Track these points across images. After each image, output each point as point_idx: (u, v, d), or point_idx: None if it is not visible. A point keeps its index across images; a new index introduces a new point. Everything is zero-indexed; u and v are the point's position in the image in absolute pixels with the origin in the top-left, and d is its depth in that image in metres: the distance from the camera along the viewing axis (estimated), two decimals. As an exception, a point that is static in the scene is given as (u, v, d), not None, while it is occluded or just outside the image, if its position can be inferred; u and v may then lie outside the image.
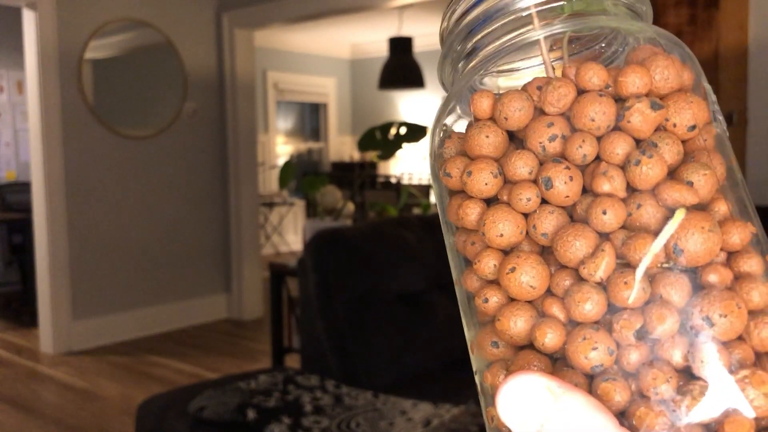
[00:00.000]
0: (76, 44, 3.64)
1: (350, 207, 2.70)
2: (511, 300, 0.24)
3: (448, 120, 0.28)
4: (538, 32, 0.26)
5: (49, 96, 3.54)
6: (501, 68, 0.29)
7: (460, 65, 0.29)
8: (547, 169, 0.24)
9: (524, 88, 0.26)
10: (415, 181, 6.87)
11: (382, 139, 2.45)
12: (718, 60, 2.41)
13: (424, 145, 5.92)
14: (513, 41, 0.27)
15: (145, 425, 1.59)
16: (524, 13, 0.26)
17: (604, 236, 0.23)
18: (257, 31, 4.38)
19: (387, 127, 2.48)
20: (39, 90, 3.52)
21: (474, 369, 0.26)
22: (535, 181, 0.24)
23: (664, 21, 2.45)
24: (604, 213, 0.23)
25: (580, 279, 0.23)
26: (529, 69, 0.29)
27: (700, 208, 0.23)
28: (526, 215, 0.24)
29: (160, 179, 4.01)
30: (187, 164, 4.14)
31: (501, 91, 0.26)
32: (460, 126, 0.28)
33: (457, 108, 0.29)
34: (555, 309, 0.23)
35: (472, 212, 0.25)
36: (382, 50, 6.60)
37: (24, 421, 2.75)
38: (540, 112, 0.25)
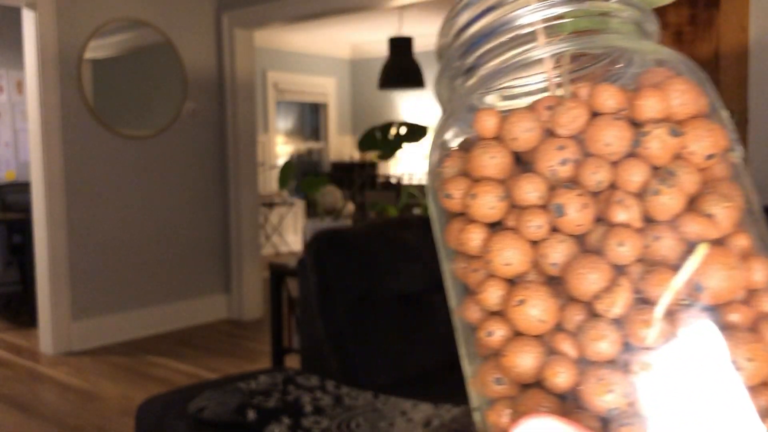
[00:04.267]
0: (75, 44, 3.64)
1: (350, 207, 2.70)
2: (518, 334, 0.23)
3: (447, 137, 0.27)
4: (543, 50, 0.25)
5: (49, 96, 3.54)
6: (500, 86, 0.28)
7: (458, 81, 0.27)
8: (559, 195, 0.22)
9: (532, 107, 0.24)
10: (415, 181, 6.87)
11: (382, 139, 2.45)
12: (718, 60, 2.41)
13: (424, 145, 5.92)
14: (516, 59, 0.25)
15: (144, 425, 1.59)
16: (528, 30, 0.25)
17: (619, 269, 0.22)
18: (257, 31, 4.38)
19: (387, 127, 2.48)
20: (38, 90, 3.52)
21: (473, 406, 0.25)
22: (544, 207, 0.23)
23: (665, 21, 2.45)
24: (621, 245, 0.21)
25: (593, 314, 0.22)
26: (527, 87, 0.27)
27: (720, 242, 0.22)
28: (533, 243, 0.23)
29: (159, 179, 4.01)
30: (187, 164, 4.14)
31: (505, 110, 0.25)
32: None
33: (455, 125, 0.27)
34: (566, 346, 0.22)
35: (475, 237, 0.24)
36: (382, 50, 6.60)
37: (23, 422, 2.75)
38: (549, 133, 0.24)
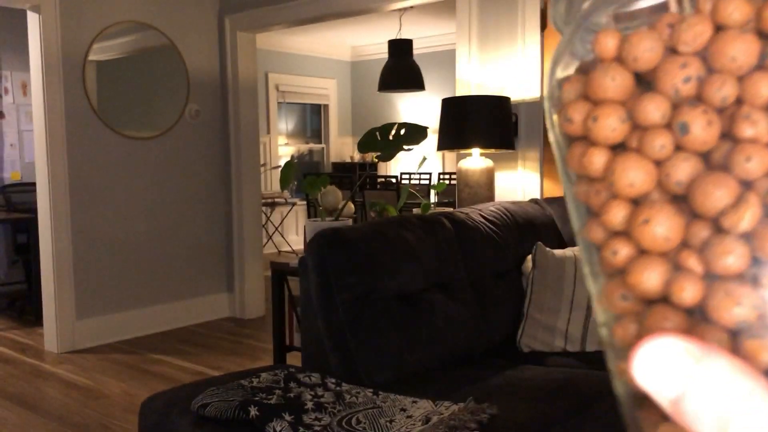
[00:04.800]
0: (80, 46, 3.67)
1: (351, 207, 2.73)
2: (642, 252, 0.23)
3: (563, 62, 0.26)
4: None
5: (54, 97, 3.57)
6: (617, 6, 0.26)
7: (575, 6, 0.27)
8: (683, 113, 0.22)
9: (653, 25, 0.23)
10: (414, 181, 6.89)
11: (382, 140, 2.48)
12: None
13: (424, 145, 5.93)
14: None
15: (148, 423, 1.61)
16: None
17: (745, 184, 0.21)
18: (259, 33, 4.40)
19: (387, 128, 2.50)
20: (43, 91, 3.54)
21: (599, 321, 0.25)
22: (668, 126, 0.23)
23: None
24: (748, 160, 0.21)
25: (719, 230, 0.22)
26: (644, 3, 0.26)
27: None
28: (657, 162, 0.23)
29: (163, 180, 4.04)
30: (190, 165, 4.17)
31: (624, 30, 0.24)
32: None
33: (572, 51, 0.27)
34: (692, 262, 0.22)
35: (597, 160, 0.24)
36: (382, 52, 6.62)
37: (28, 419, 2.78)
38: (671, 51, 0.23)
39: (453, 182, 5.81)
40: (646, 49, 0.23)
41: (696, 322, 0.22)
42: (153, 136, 3.99)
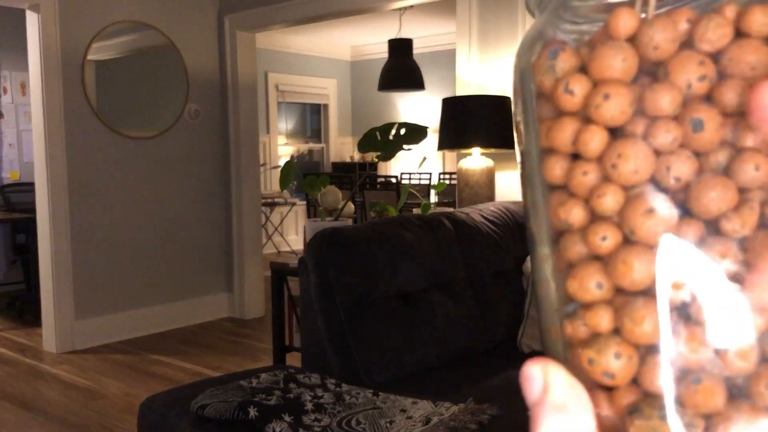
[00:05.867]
0: (79, 46, 3.67)
1: (350, 207, 2.72)
2: (631, 242, 0.23)
3: (544, 34, 0.26)
4: None
5: (53, 97, 3.56)
6: None
7: None
8: (699, 110, 0.22)
9: (671, 17, 0.23)
10: (414, 181, 6.88)
11: (382, 140, 2.47)
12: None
13: (424, 145, 5.92)
14: None
15: (147, 423, 1.61)
16: None
17: (743, 191, 0.22)
18: (258, 33, 4.40)
19: (387, 128, 2.49)
20: (42, 91, 3.54)
21: (555, 307, 0.25)
22: (674, 119, 0.23)
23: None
24: (757, 169, 0.22)
25: (716, 231, 0.22)
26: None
27: None
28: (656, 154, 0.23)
29: (162, 180, 4.03)
30: (190, 165, 4.17)
31: (644, 13, 0.24)
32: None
33: (552, 24, 0.26)
34: None
35: (598, 140, 0.23)
36: (382, 52, 6.62)
37: (27, 419, 2.78)
38: (685, 46, 0.23)
39: (453, 182, 5.80)
40: (669, 39, 0.22)
41: (682, 319, 0.22)
42: (152, 135, 3.98)
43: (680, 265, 0.22)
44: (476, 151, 2.84)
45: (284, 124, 7.68)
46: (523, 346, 2.14)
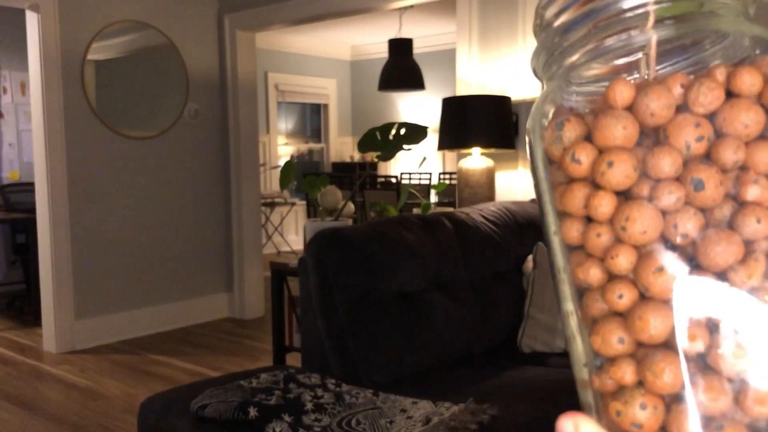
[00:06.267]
0: (78, 46, 3.66)
1: (350, 207, 2.72)
2: (646, 299, 0.24)
3: (548, 106, 0.28)
4: (650, 33, 0.25)
5: (52, 97, 3.56)
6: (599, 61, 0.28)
7: (556, 56, 0.28)
8: (699, 170, 0.23)
9: (665, 83, 0.25)
10: (414, 181, 6.88)
11: (382, 140, 2.47)
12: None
13: (424, 145, 5.92)
14: (624, 41, 0.26)
15: (147, 423, 1.61)
16: (638, 11, 0.25)
17: (748, 243, 0.23)
18: (258, 33, 4.40)
19: (387, 128, 2.49)
20: (42, 91, 3.54)
21: (584, 361, 0.26)
22: (677, 180, 0.24)
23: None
24: (758, 221, 0.23)
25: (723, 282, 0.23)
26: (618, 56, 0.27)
27: None
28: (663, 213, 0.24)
29: (162, 180, 4.03)
30: (189, 165, 4.17)
31: (635, 79, 0.25)
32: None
33: (556, 95, 0.28)
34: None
35: (607, 204, 0.25)
36: (382, 52, 6.62)
37: (27, 420, 2.78)
38: (680, 109, 0.24)
39: (453, 182, 5.80)
40: (664, 106, 0.24)
41: (700, 368, 0.23)
42: (152, 135, 3.98)
43: (695, 316, 0.23)
44: (476, 151, 2.84)
45: (284, 124, 7.68)
46: (523, 347, 2.14)
